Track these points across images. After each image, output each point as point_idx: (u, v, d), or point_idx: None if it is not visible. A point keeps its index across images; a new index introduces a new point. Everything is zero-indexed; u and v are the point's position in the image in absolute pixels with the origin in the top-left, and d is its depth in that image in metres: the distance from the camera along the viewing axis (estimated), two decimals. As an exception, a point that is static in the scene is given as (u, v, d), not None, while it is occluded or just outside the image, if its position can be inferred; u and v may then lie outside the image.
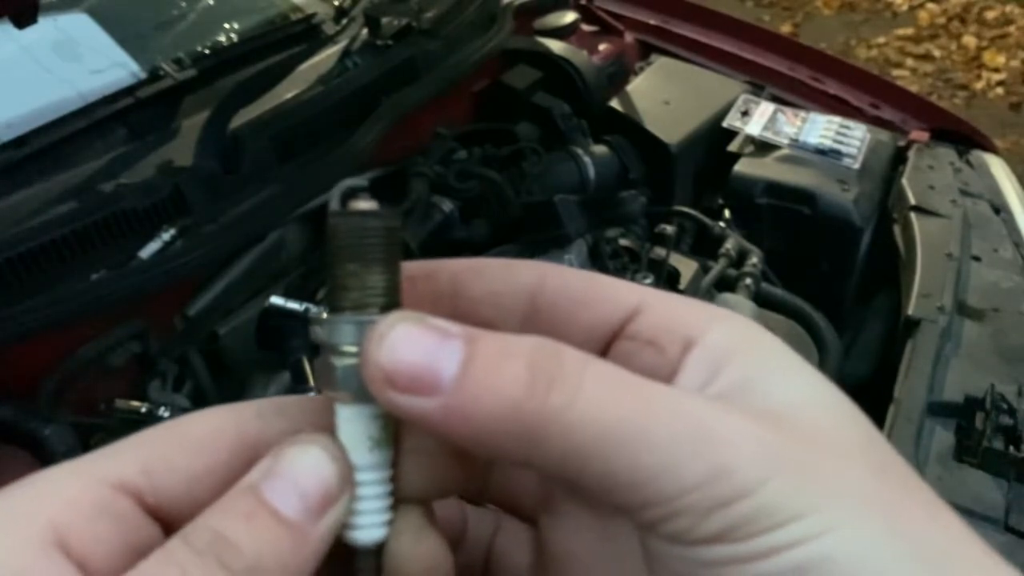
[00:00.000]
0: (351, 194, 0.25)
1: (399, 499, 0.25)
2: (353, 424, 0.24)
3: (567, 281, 0.26)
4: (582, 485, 0.22)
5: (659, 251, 1.22)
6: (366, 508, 0.24)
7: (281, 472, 0.23)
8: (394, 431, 0.25)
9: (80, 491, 0.22)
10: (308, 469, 0.23)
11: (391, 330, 0.22)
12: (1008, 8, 4.09)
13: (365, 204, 0.24)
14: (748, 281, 1.24)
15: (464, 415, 0.21)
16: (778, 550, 0.20)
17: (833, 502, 0.21)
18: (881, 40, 4.01)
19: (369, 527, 0.24)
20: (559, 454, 0.21)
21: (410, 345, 0.22)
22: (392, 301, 0.24)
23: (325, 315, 0.24)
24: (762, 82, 1.63)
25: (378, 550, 0.25)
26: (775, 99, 1.57)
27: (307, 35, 1.36)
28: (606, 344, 0.25)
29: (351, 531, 0.24)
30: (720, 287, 1.24)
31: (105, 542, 0.22)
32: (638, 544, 0.25)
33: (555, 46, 1.51)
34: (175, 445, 0.24)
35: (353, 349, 0.23)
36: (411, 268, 0.26)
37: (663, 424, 0.21)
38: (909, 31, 4.05)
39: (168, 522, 0.23)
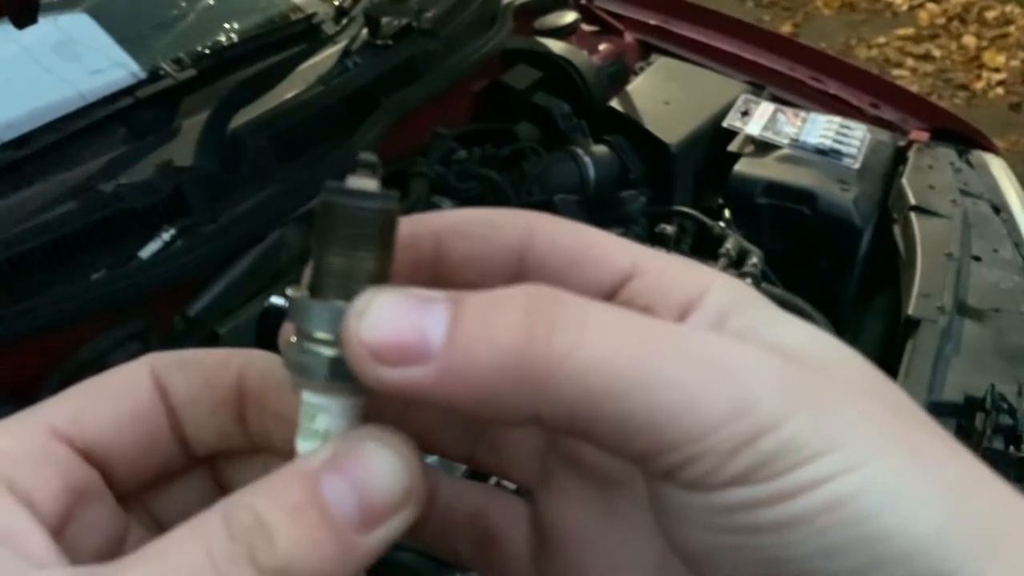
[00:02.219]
0: (352, 168, 0.23)
1: None
2: (332, 417, 0.23)
3: (556, 239, 0.24)
4: (597, 434, 0.20)
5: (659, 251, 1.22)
6: None
7: (346, 467, 0.21)
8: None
9: (19, 440, 0.22)
10: (377, 472, 0.21)
11: (369, 304, 0.21)
12: (1008, 8, 4.09)
13: (364, 182, 0.22)
14: (748, 281, 1.24)
15: (461, 375, 0.20)
16: (806, 489, 0.19)
17: (856, 437, 0.20)
18: (881, 40, 4.01)
19: None
20: (570, 402, 0.20)
21: (392, 316, 0.20)
22: None
23: (306, 298, 0.22)
24: (762, 82, 1.63)
25: None
26: (775, 99, 1.57)
27: (307, 35, 1.36)
28: None
29: None
30: (720, 287, 1.24)
31: (47, 483, 0.22)
32: (641, 516, 0.24)
33: (555, 46, 1.51)
34: (99, 394, 0.24)
35: (328, 337, 0.22)
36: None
37: (680, 360, 0.20)
38: (909, 31, 4.05)
39: (103, 467, 0.23)
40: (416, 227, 0.24)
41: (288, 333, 0.23)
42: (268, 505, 0.20)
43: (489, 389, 0.20)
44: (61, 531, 0.22)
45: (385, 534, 0.21)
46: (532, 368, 0.20)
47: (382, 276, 0.22)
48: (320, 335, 0.22)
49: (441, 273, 0.24)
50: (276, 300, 1.00)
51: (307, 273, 0.23)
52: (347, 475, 0.21)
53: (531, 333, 0.20)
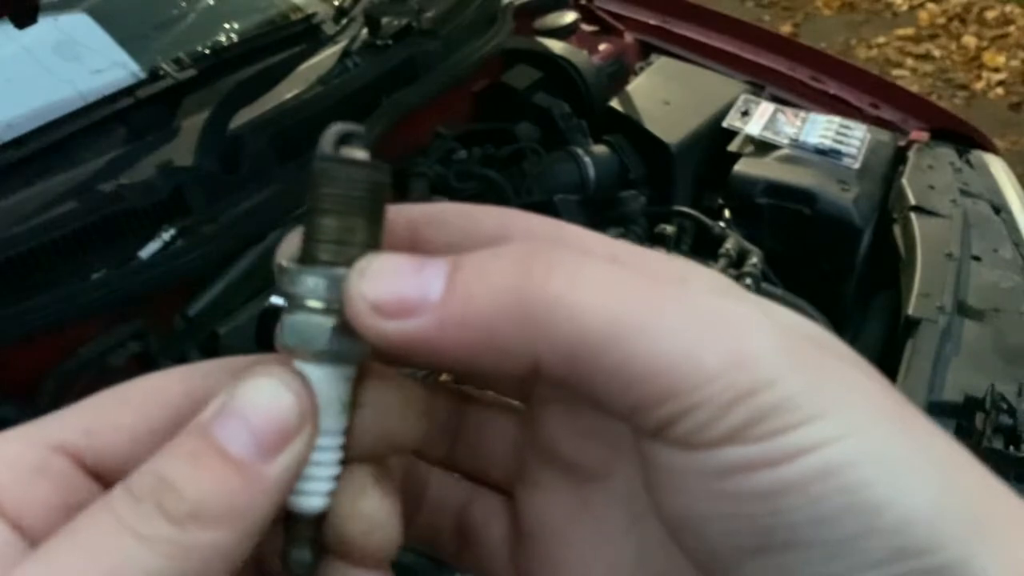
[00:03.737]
0: (345, 139, 0.23)
1: (348, 459, 0.23)
2: (326, 385, 0.22)
3: (533, 231, 0.24)
4: (594, 382, 0.20)
5: (659, 251, 1.23)
6: (320, 475, 0.23)
7: (233, 409, 0.21)
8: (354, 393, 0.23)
9: (18, 453, 0.22)
10: (262, 403, 0.21)
11: (371, 263, 0.21)
12: (1008, 8, 4.09)
13: (357, 153, 0.23)
14: (748, 281, 1.24)
15: (460, 320, 0.20)
16: (799, 454, 0.19)
17: (849, 404, 0.20)
18: (881, 40, 4.01)
19: (315, 494, 0.23)
20: (570, 344, 0.20)
21: (393, 272, 0.21)
22: None
23: (297, 266, 0.22)
24: (762, 82, 1.63)
25: (319, 518, 0.23)
26: (775, 99, 1.57)
27: (307, 35, 1.36)
28: None
29: (296, 496, 0.23)
30: (720, 287, 1.24)
31: (41, 501, 0.21)
32: (618, 512, 0.24)
33: (555, 46, 1.51)
34: (118, 406, 0.23)
35: (323, 305, 0.22)
36: None
37: (681, 309, 0.20)
38: (909, 31, 4.05)
39: (111, 483, 0.23)
40: (392, 216, 0.24)
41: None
42: (166, 463, 0.20)
43: (488, 332, 0.20)
44: None
45: (288, 459, 0.21)
46: (530, 305, 0.20)
47: (374, 244, 0.23)
48: (312, 303, 0.22)
49: None
50: (276, 300, 1.01)
51: (283, 246, 0.23)
52: (236, 414, 0.21)
53: (528, 272, 0.20)
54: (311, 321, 0.22)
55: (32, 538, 0.21)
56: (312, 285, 0.22)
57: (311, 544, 0.23)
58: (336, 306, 0.22)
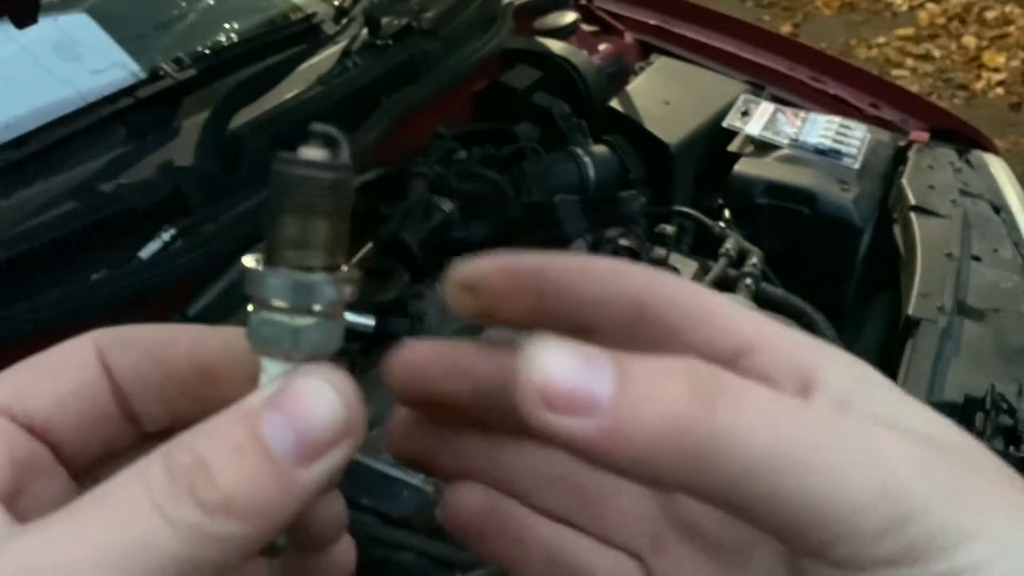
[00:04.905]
0: (305, 139, 0.23)
1: None
2: None
3: (675, 295, 0.24)
4: (747, 508, 0.21)
5: (659, 251, 1.22)
6: None
7: (284, 406, 0.21)
8: None
9: None
10: (312, 407, 0.21)
11: (542, 350, 0.21)
12: (1008, 8, 4.09)
13: (314, 153, 0.23)
14: (748, 281, 1.24)
15: (626, 435, 0.20)
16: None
17: (997, 524, 0.21)
18: (881, 40, 4.01)
19: None
20: (726, 475, 0.20)
21: (562, 365, 0.21)
22: (334, 261, 0.23)
23: (262, 268, 0.23)
24: (762, 82, 1.63)
25: None
26: (775, 99, 1.57)
27: (307, 35, 1.36)
28: None
29: None
30: (720, 287, 1.24)
31: None
32: None
33: (555, 46, 1.51)
34: (41, 371, 0.24)
35: (287, 305, 0.22)
36: (519, 261, 0.25)
37: (836, 444, 0.21)
38: (909, 31, 4.05)
39: (50, 443, 0.24)
40: (543, 260, 0.25)
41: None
42: (208, 444, 0.21)
43: (650, 452, 0.20)
44: (11, 505, 0.22)
45: (324, 467, 0.21)
46: (695, 438, 0.20)
47: (336, 245, 0.23)
48: (277, 303, 0.22)
49: (562, 308, 0.25)
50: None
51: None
52: (285, 412, 0.21)
53: (695, 404, 0.20)
54: (276, 320, 0.22)
55: None
56: (275, 286, 0.22)
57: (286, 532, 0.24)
58: (300, 306, 0.22)
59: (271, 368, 0.23)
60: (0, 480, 0.22)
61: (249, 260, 0.23)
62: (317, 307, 0.23)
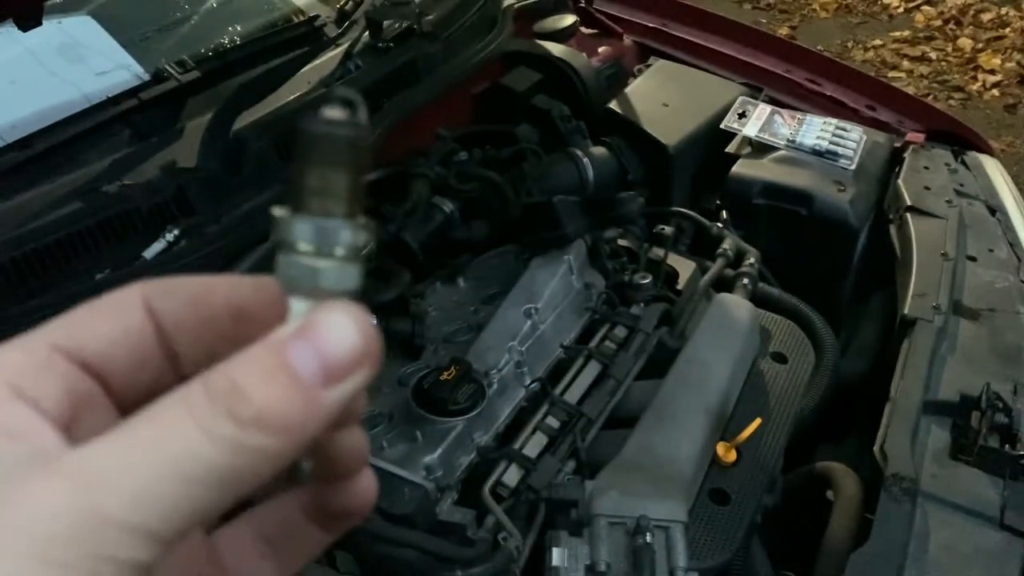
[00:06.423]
0: (327, 101, 0.25)
1: None
2: None
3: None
4: None
5: (657, 251, 1.23)
6: None
7: (309, 335, 0.24)
8: None
9: (23, 357, 0.25)
10: (334, 337, 0.24)
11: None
12: (1004, 10, 4.11)
13: (336, 112, 0.25)
14: (745, 281, 1.25)
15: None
16: None
17: None
18: (877, 42, 4.03)
19: None
20: None
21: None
22: (353, 210, 0.25)
23: (290, 215, 0.25)
24: (759, 84, 1.64)
25: None
26: (772, 101, 1.58)
27: (309, 38, 1.37)
28: None
29: None
30: (718, 287, 1.25)
31: (51, 390, 0.25)
32: None
33: (555, 49, 1.52)
34: (94, 315, 0.27)
35: (312, 248, 0.25)
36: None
37: None
38: (905, 33, 4.07)
39: (101, 379, 0.26)
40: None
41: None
42: (242, 370, 0.23)
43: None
44: (68, 433, 0.24)
45: (345, 390, 0.24)
46: None
47: (354, 195, 0.25)
48: (303, 246, 0.25)
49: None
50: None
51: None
52: (310, 341, 0.24)
53: None
54: (302, 262, 0.25)
55: (51, 421, 0.24)
56: (301, 230, 0.25)
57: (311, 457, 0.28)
58: (323, 249, 0.25)
59: (297, 306, 0.25)
60: (58, 411, 0.24)
61: (278, 210, 0.26)
62: (339, 250, 0.25)
